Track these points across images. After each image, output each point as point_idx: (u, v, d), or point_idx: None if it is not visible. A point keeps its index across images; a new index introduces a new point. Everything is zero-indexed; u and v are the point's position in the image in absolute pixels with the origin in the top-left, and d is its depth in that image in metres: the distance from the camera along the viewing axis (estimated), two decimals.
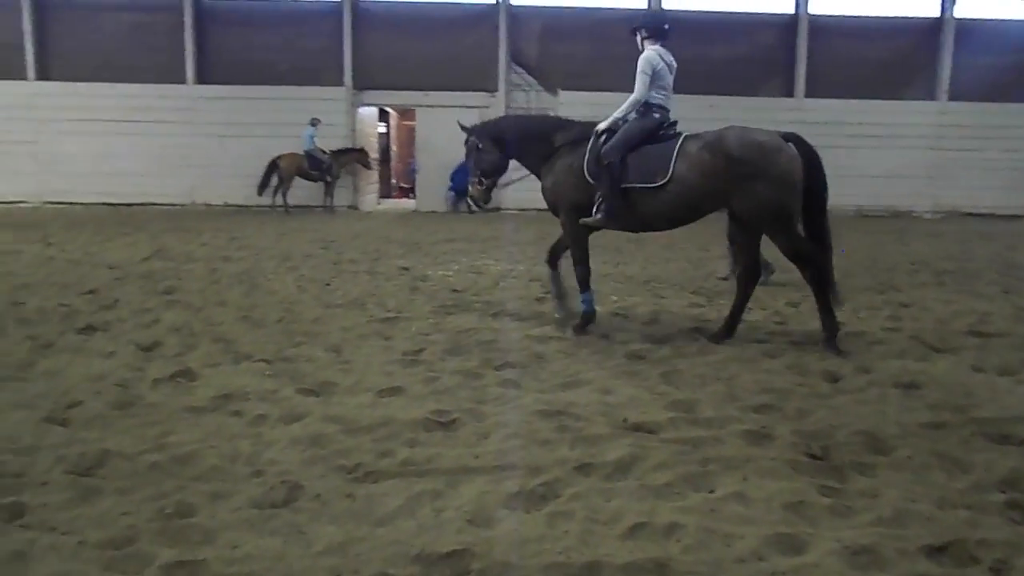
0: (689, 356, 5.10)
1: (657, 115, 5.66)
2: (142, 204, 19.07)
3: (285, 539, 2.65)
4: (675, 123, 5.77)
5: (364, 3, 19.49)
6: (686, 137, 5.52)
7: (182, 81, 19.24)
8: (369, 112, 20.57)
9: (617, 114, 5.74)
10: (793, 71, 19.79)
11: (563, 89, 19.19)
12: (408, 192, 23.41)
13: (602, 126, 5.76)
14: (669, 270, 9.21)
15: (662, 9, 5.17)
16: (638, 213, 5.58)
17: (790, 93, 19.83)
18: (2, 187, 19.03)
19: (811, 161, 5.24)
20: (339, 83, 19.28)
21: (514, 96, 19.73)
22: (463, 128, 6.49)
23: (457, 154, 19.16)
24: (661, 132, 5.65)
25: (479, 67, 19.54)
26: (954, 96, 19.67)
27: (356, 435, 3.60)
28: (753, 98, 19.55)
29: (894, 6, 20.06)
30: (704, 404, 4.10)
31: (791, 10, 19.88)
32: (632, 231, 6.01)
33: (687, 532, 2.69)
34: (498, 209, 19.38)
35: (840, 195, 20.16)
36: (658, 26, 5.89)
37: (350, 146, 18.62)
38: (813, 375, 4.70)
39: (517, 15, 19.53)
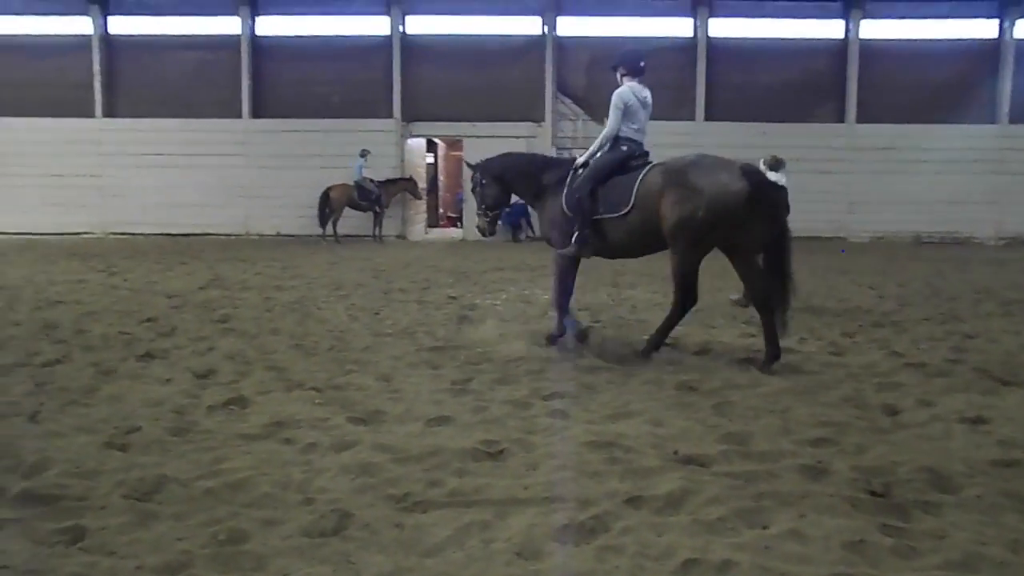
0: (742, 387, 4.99)
1: (625, 148, 5.95)
2: (199, 234, 19.71)
3: (335, 568, 2.65)
4: (646, 154, 6.04)
5: (413, 36, 19.96)
6: (651, 167, 5.79)
7: (238, 115, 19.92)
8: (417, 143, 20.97)
9: (592, 148, 6.09)
10: (844, 97, 19.51)
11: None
12: (455, 221, 23.70)
13: (579, 161, 6.15)
14: (719, 300, 9.05)
15: (637, 50, 5.50)
16: (609, 241, 5.94)
17: (841, 119, 19.54)
18: (70, 219, 19.90)
19: (763, 196, 5.38)
20: (388, 115, 19.72)
21: (561, 126, 19.90)
22: (468, 166, 7.04)
23: None
24: (632, 163, 5.93)
25: (526, 97, 19.77)
26: (1015, 119, 19.12)
27: (405, 464, 3.60)
28: (804, 124, 19.36)
29: (949, 29, 19.67)
30: (758, 437, 3.99)
31: (841, 35, 19.66)
32: (608, 258, 6.40)
33: (741, 570, 2.60)
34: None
35: (896, 221, 19.76)
36: (634, 64, 6.13)
37: (399, 176, 18.97)
38: (872, 408, 4.54)
39: (564, 45, 19.75)
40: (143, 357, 5.78)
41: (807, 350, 6.15)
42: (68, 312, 7.81)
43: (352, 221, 18.58)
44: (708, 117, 19.58)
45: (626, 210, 5.69)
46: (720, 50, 19.72)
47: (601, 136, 6.05)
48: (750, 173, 5.42)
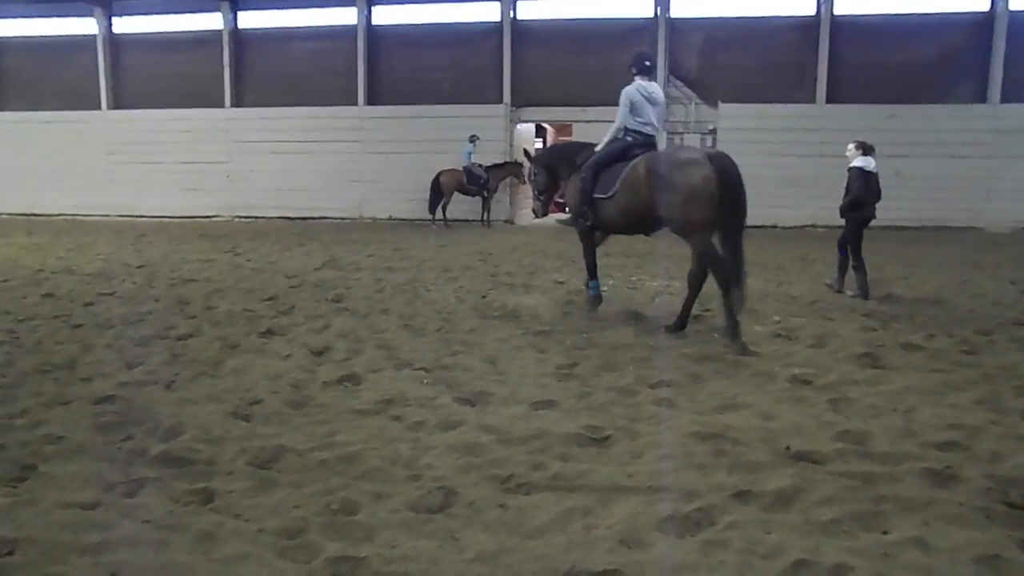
0: (860, 384, 4.74)
1: (630, 139, 6.62)
2: (316, 218, 20.59)
3: (440, 543, 2.73)
4: (652, 144, 6.67)
5: (523, 21, 19.96)
6: (645, 156, 6.38)
7: (354, 103, 20.60)
8: (526, 128, 21.02)
9: (605, 138, 6.82)
10: (987, 74, 17.97)
11: (724, 102, 18.62)
12: (563, 207, 23.62)
13: (598, 148, 6.87)
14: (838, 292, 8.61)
15: (646, 51, 6.76)
16: (601, 218, 6.73)
17: (983, 99, 18.03)
18: (200, 202, 21.27)
19: (729, 181, 5.82)
20: (498, 100, 19.84)
21: (672, 109, 19.40)
22: (528, 157, 8.35)
23: None
24: (634, 151, 6.53)
25: None
26: None
27: (509, 446, 3.65)
28: (938, 105, 18.00)
29: None
30: (877, 437, 3.78)
31: (986, 7, 18.08)
32: (605, 233, 7.18)
33: None
34: None
35: None
36: (642, 64, 6.77)
37: (505, 160, 19.09)
38: (1010, 413, 4.19)
39: (677, 27, 19.20)
40: (264, 333, 6.12)
41: (936, 347, 5.74)
42: (198, 289, 8.37)
43: (461, 206, 18.88)
44: (830, 99, 18.54)
45: (612, 192, 6.45)
46: (844, 27, 18.58)
47: (612, 128, 6.74)
48: (718, 164, 5.86)
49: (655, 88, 6.74)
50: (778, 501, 3.04)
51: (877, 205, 8.26)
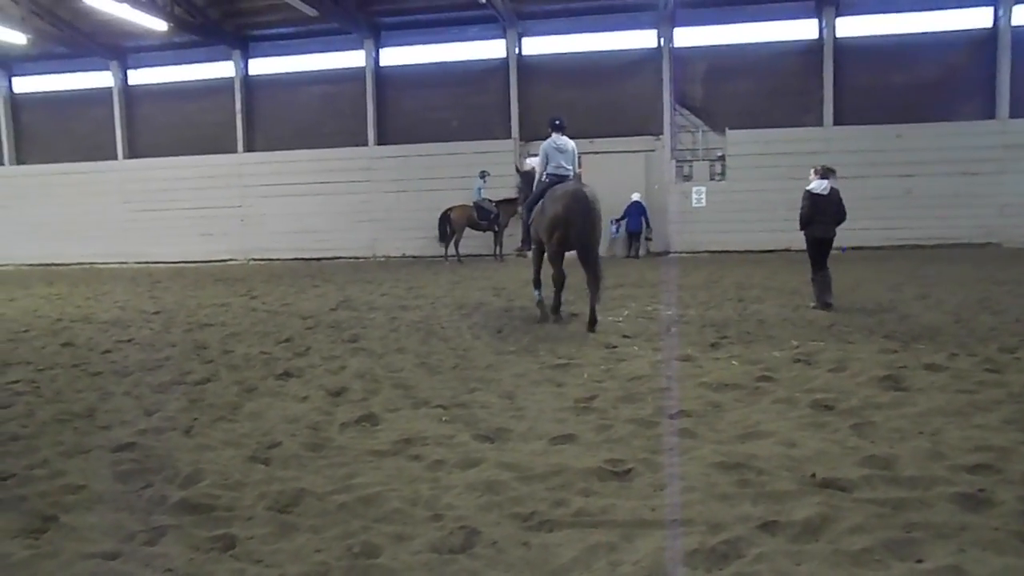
0: (883, 407, 4.66)
1: (547, 180, 8.50)
2: (330, 258, 20.77)
3: None
4: (566, 179, 8.32)
5: (528, 57, 20.26)
6: (549, 191, 8.24)
7: (364, 143, 20.90)
8: (535, 162, 21.18)
9: (535, 183, 8.95)
10: (994, 90, 17.98)
11: (730, 128, 18.72)
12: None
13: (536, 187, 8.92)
14: (856, 313, 8.54)
15: (555, 115, 8.87)
16: (535, 240, 8.62)
17: (991, 115, 18.02)
18: (215, 247, 21.55)
19: (577, 212, 7.73)
20: (507, 136, 20.06)
21: (680, 138, 19.53)
22: (518, 172, 10.56)
23: (624, 199, 19.21)
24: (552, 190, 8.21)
25: (643, 111, 19.58)
26: None
27: (530, 483, 3.60)
28: (945, 123, 18.02)
29: None
30: (904, 461, 3.70)
31: (988, 24, 18.17)
32: (542, 255, 8.68)
33: None
34: (667, 252, 19.10)
35: None
36: (553, 123, 8.66)
37: (515, 195, 19.22)
38: None
39: (680, 56, 19.42)
40: (281, 376, 6.13)
41: (959, 366, 5.66)
42: (215, 333, 8.41)
43: (472, 241, 18.99)
44: (837, 121, 18.61)
45: (531, 220, 8.58)
46: (848, 49, 18.73)
47: (536, 175, 8.91)
48: (569, 197, 7.77)
49: (564, 140, 8.54)
50: (806, 531, 2.98)
51: (844, 225, 9.09)
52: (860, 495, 3.32)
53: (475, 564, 2.83)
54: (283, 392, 5.60)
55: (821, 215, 8.82)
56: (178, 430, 4.65)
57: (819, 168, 9.02)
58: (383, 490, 3.56)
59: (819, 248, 8.97)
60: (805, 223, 8.94)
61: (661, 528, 3.07)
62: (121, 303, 11.88)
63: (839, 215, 8.90)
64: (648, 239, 19.20)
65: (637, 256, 18.86)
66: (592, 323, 7.75)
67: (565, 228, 7.77)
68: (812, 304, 8.97)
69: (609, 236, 19.10)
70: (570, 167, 8.53)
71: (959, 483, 3.39)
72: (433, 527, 3.16)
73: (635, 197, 18.84)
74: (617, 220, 18.86)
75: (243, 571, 2.81)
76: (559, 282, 8.31)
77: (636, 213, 18.73)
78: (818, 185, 8.86)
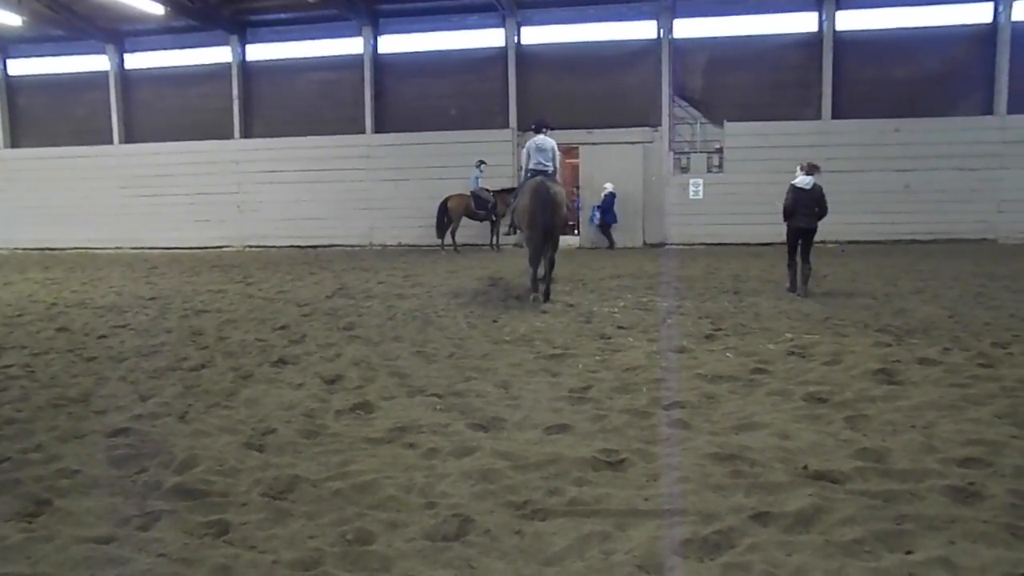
0: (877, 400, 4.69)
1: (529, 175, 9.55)
2: (326, 246, 20.73)
3: (457, 572, 2.70)
4: (544, 174, 9.38)
5: (527, 46, 20.17)
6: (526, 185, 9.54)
7: (361, 131, 20.81)
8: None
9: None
10: (993, 86, 17.97)
11: (729, 120, 18.69)
12: (573, 228, 23.68)
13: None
14: (851, 307, 8.57)
15: (537, 116, 10.25)
16: (518, 226, 10.03)
17: (990, 110, 18.02)
18: (211, 233, 21.48)
19: (539, 204, 9.07)
20: (505, 125, 20.00)
21: (678, 130, 19.50)
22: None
23: (620, 190, 19.15)
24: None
25: (642, 103, 19.52)
26: None
27: (525, 471, 3.62)
28: (944, 118, 18.01)
29: None
30: (897, 454, 3.73)
31: (988, 19, 18.14)
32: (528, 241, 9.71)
33: None
34: (663, 244, 19.11)
35: None
36: (534, 124, 9.88)
37: (514, 185, 19.18)
38: None
39: (680, 48, 19.35)
40: (277, 363, 6.13)
41: (952, 361, 5.69)
42: (211, 320, 8.41)
43: (469, 231, 18.96)
44: (836, 115, 18.58)
45: (513, 209, 10.12)
46: (848, 43, 18.67)
47: (522, 171, 10.04)
48: (532, 191, 9.13)
49: (542, 139, 9.58)
50: (798, 522, 3.00)
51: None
52: (852, 487, 3.34)
53: (469, 552, 2.85)
54: (279, 379, 5.61)
55: (803, 208, 9.46)
56: (173, 416, 4.66)
57: (804, 165, 9.68)
58: (378, 477, 3.57)
59: (798, 238, 9.59)
60: (788, 215, 9.61)
61: (654, 518, 3.09)
62: (117, 288, 11.86)
63: (821, 209, 9.48)
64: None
65: (612, 247, 18.88)
66: (546, 296, 9.30)
67: (531, 215, 9.13)
68: (787, 286, 9.84)
69: (592, 223, 19.08)
70: (549, 164, 9.53)
71: (950, 476, 3.42)
72: (427, 515, 3.17)
73: (608, 188, 18.83)
74: (598, 207, 18.86)
75: (237, 556, 2.82)
76: (533, 261, 9.38)
77: (611, 204, 18.78)
78: (802, 180, 9.49)
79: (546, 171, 9.45)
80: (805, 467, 3.56)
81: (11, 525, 3.11)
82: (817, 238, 9.97)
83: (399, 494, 3.39)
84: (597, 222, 19.02)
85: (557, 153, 9.66)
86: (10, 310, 9.61)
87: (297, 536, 3.00)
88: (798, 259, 9.63)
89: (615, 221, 18.85)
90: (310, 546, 2.91)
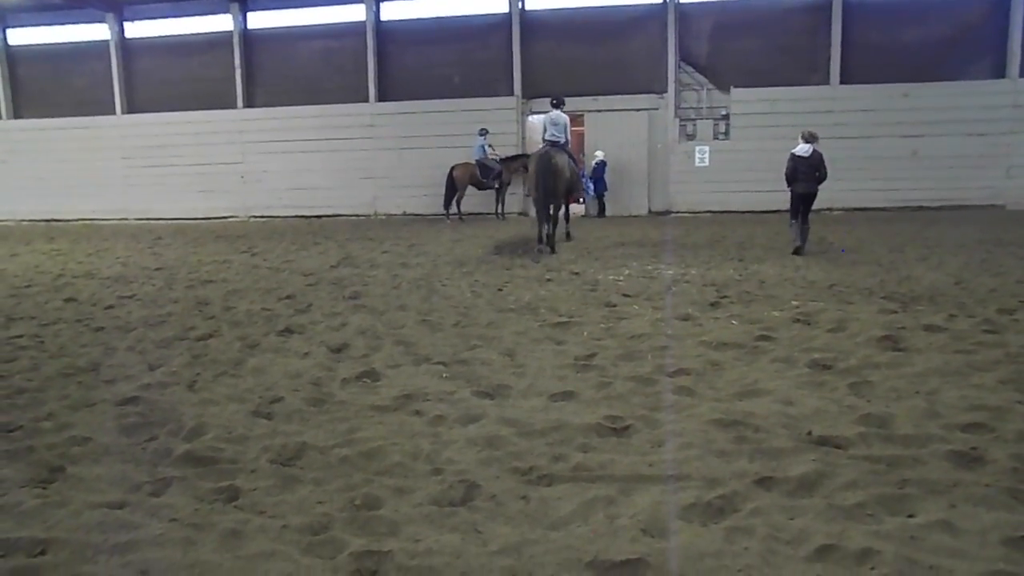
0: (881, 367, 4.70)
1: (543, 145, 11.27)
2: (331, 216, 20.69)
3: (463, 536, 2.74)
4: (556, 144, 11.16)
5: (532, 12, 19.88)
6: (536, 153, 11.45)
7: (365, 99, 20.63)
8: (538, 119, 20.96)
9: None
10: (1006, 50, 17.66)
11: (735, 86, 18.46)
12: (576, 197, 23.55)
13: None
14: (856, 274, 8.55)
15: (554, 95, 12.07)
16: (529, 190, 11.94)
17: (1001, 75, 17.74)
18: (215, 203, 21.44)
19: (542, 171, 10.69)
20: (509, 93, 19.80)
21: (684, 96, 19.27)
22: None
23: (626, 157, 18.97)
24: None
25: (647, 69, 19.27)
26: None
27: (530, 438, 3.65)
28: (954, 83, 17.74)
29: None
30: (900, 420, 3.75)
31: None
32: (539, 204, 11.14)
33: (883, 560, 2.47)
34: (668, 212, 19.01)
35: None
36: (552, 101, 11.79)
37: (518, 152, 19.07)
38: None
39: (686, 13, 19.04)
40: (283, 332, 6.17)
41: (957, 327, 5.68)
42: (217, 290, 8.44)
43: (474, 199, 18.89)
44: (844, 80, 18.32)
45: (527, 174, 12.17)
46: (856, 7, 18.33)
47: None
48: (537, 159, 10.88)
49: (556, 114, 11.47)
50: (801, 487, 3.03)
51: (824, 184, 10.42)
52: (855, 452, 3.37)
53: (475, 517, 2.89)
54: (285, 348, 5.64)
55: (803, 174, 10.12)
56: (181, 385, 4.70)
57: (805, 133, 10.30)
58: (384, 444, 3.61)
59: (801, 201, 10.29)
60: (789, 181, 10.34)
61: (658, 483, 3.12)
62: (122, 259, 11.89)
63: (820, 175, 10.11)
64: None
65: (603, 215, 18.80)
66: (551, 248, 11.00)
67: (535, 180, 10.72)
68: (791, 249, 10.39)
69: (588, 193, 18.93)
70: (561, 135, 11.27)
71: (953, 441, 3.44)
72: (434, 480, 3.21)
73: (599, 156, 18.69)
74: (589, 178, 18.72)
75: (247, 521, 2.87)
76: (539, 220, 11.09)
77: (602, 173, 18.65)
78: (801, 148, 10.13)
79: (558, 142, 11.17)
80: (809, 433, 3.59)
81: (26, 491, 3.17)
82: (824, 205, 10.16)
83: (406, 460, 3.43)
84: (592, 193, 18.91)
85: (569, 127, 11.42)
86: (17, 281, 9.66)
87: (305, 502, 3.05)
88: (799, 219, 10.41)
89: (606, 189, 18.76)
90: (318, 511, 2.96)
